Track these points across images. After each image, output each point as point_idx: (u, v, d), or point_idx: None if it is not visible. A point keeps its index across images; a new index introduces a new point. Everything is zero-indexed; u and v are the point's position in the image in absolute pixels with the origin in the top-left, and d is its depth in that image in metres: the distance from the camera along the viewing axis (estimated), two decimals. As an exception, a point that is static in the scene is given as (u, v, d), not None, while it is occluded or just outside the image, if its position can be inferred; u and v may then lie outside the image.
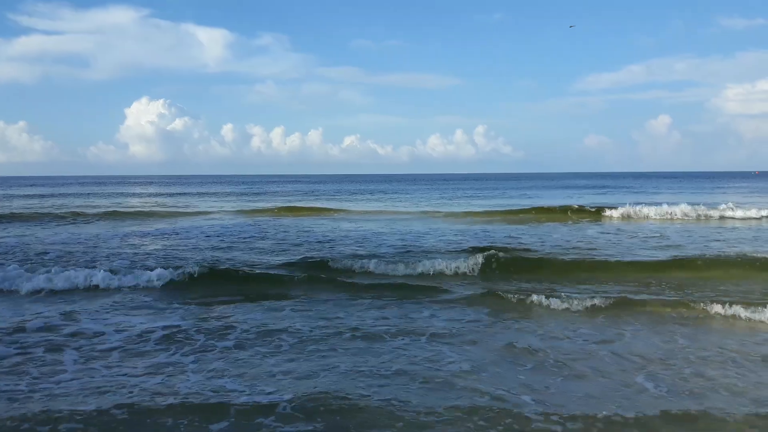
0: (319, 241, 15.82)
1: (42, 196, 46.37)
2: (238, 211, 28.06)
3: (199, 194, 49.93)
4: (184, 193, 51.30)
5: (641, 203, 24.19)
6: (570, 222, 20.60)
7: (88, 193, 50.86)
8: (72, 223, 22.02)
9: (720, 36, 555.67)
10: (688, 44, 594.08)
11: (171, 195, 48.69)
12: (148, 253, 13.75)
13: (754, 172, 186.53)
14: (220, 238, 16.75)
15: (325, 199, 41.27)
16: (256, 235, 17.60)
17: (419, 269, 10.98)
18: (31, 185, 78.69)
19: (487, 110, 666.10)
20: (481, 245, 13.73)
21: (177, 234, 18.10)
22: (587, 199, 36.09)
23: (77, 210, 27.48)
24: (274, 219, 23.51)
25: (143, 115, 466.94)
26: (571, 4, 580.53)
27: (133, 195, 49.49)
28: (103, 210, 27.46)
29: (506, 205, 31.22)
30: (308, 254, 13.24)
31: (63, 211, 27.04)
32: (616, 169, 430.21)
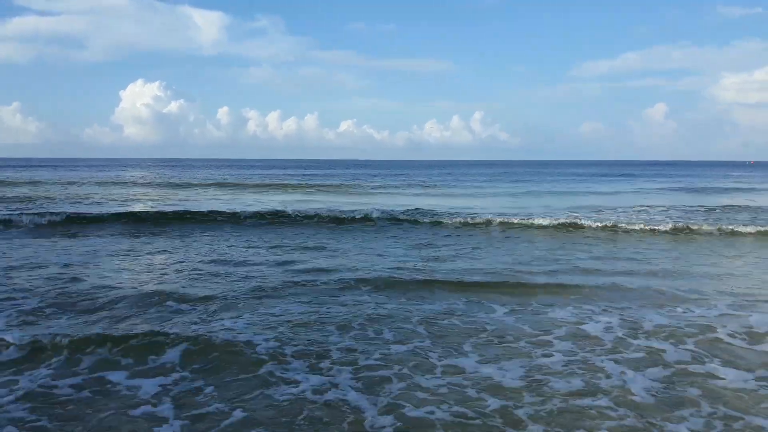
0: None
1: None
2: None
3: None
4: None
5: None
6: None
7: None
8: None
9: (717, 24, 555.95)
10: (686, 32, 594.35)
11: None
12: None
13: (749, 161, 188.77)
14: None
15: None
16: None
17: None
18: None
19: (483, 95, 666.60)
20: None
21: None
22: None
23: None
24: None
25: (138, 98, 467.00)
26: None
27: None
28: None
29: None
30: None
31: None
32: (613, 156, 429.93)
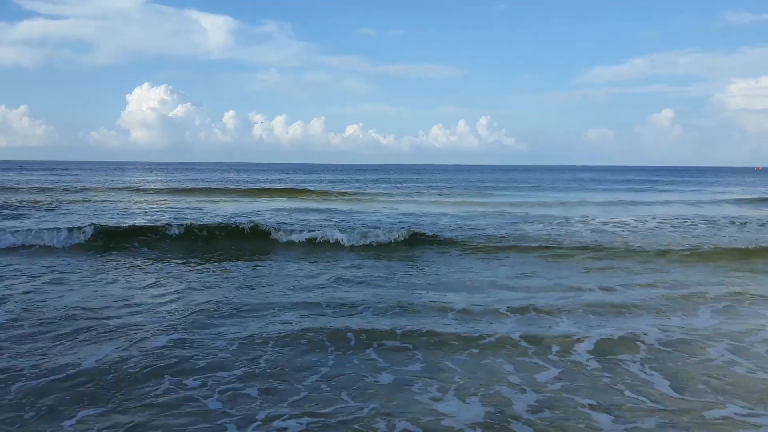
0: None
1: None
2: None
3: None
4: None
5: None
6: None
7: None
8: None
9: (725, 30, 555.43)
10: (693, 38, 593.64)
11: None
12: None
13: (757, 167, 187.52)
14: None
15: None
16: None
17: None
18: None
19: (490, 101, 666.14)
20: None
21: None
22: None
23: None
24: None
25: (145, 101, 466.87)
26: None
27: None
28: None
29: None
30: None
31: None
32: (619, 162, 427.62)
